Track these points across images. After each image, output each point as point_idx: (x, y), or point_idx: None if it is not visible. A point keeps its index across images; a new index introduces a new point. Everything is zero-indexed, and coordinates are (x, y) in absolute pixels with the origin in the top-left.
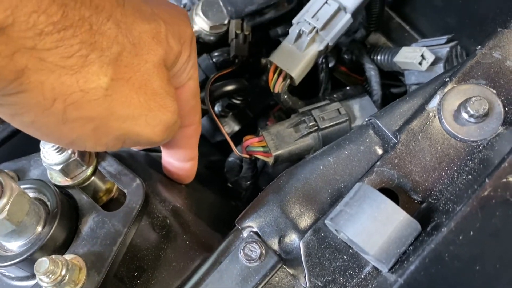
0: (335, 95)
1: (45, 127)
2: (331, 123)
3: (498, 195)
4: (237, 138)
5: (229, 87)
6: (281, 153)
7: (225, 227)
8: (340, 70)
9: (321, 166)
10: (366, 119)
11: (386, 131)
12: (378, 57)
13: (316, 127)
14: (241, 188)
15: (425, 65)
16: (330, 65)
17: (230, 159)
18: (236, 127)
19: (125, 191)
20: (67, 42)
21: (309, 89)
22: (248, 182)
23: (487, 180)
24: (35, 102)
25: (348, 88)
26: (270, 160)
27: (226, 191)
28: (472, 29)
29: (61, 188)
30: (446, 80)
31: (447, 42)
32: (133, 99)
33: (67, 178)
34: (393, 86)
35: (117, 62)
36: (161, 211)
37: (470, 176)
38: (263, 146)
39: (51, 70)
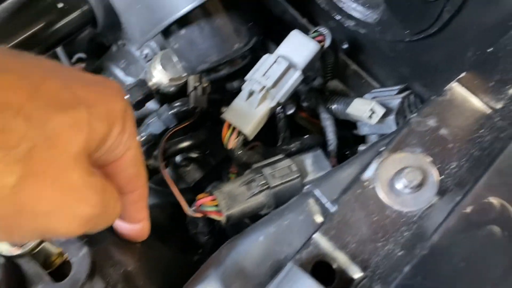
0: (292, 145)
1: None
2: (282, 181)
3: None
4: (200, 186)
5: (184, 144)
6: (233, 213)
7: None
8: (301, 116)
9: (261, 237)
10: (306, 188)
11: (324, 200)
12: (333, 107)
13: (267, 186)
14: (200, 242)
15: (375, 118)
16: (291, 111)
17: None
18: (198, 176)
19: (71, 260)
20: None
21: (270, 136)
22: (206, 237)
23: (418, 252)
24: None
25: (306, 137)
26: (222, 219)
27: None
28: (425, 79)
29: (10, 258)
30: (382, 149)
31: (399, 92)
32: (47, 195)
33: (15, 247)
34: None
35: (28, 158)
36: (112, 275)
37: (403, 251)
38: (215, 205)
39: None
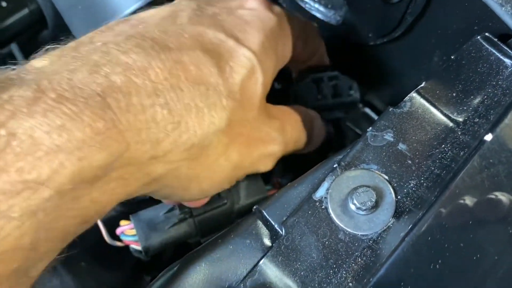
0: None
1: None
2: (206, 209)
3: None
4: None
5: None
6: (151, 244)
7: None
8: None
9: (203, 264)
10: (254, 208)
11: (273, 222)
12: None
13: (189, 214)
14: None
15: None
16: None
17: None
18: None
19: None
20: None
21: None
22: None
23: (371, 280)
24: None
25: None
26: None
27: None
28: (393, 86)
29: None
30: (335, 165)
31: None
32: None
33: None
34: None
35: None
36: None
37: (355, 280)
38: (134, 235)
39: (176, 165)
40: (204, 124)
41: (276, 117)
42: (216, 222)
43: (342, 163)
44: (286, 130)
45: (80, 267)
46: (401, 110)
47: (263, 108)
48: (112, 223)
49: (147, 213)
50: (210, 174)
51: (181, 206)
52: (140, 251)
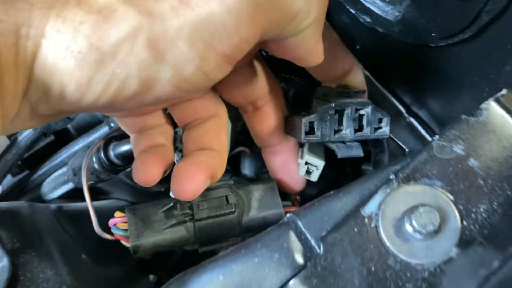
0: None
1: None
2: (210, 214)
3: None
4: None
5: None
6: (142, 244)
7: None
8: None
9: (221, 276)
10: (287, 216)
11: (309, 237)
12: None
13: (191, 217)
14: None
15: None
16: None
17: None
18: None
19: None
20: None
21: None
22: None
23: None
24: None
25: None
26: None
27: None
28: (448, 94)
29: None
30: (391, 176)
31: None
32: None
33: None
34: None
35: None
36: None
37: None
38: (126, 229)
39: None
40: None
41: None
42: (218, 231)
43: (400, 175)
44: None
45: (80, 259)
46: (476, 119)
47: None
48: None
49: (145, 208)
50: None
51: (182, 206)
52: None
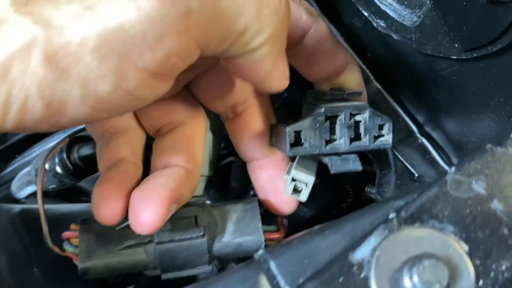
0: None
1: None
2: (174, 238)
3: None
4: None
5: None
6: (92, 265)
7: None
8: None
9: None
10: (259, 254)
11: (283, 283)
12: None
13: (150, 238)
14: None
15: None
16: None
17: None
18: None
19: None
20: None
21: None
22: None
23: None
24: None
25: None
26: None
27: None
28: (467, 116)
29: None
30: (391, 215)
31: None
32: None
33: None
34: None
35: None
36: None
37: None
38: (76, 246)
39: None
40: None
41: None
42: (184, 258)
43: (403, 214)
44: None
45: (31, 275)
46: (504, 150)
47: None
48: None
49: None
50: None
51: None
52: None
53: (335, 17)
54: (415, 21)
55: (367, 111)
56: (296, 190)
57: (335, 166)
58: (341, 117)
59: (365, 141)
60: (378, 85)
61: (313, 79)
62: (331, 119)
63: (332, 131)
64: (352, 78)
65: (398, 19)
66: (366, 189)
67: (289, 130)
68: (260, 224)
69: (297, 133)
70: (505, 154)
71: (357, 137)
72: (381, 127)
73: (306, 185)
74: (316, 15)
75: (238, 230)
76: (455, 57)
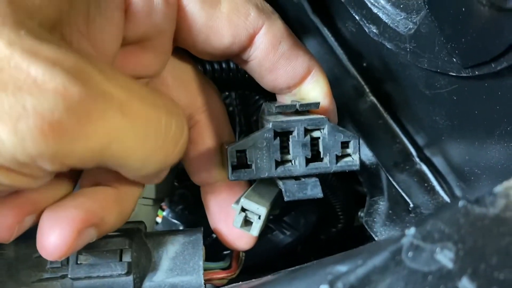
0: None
1: None
2: (91, 274)
3: None
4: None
5: None
6: None
7: None
8: None
9: None
10: None
11: None
12: None
13: (65, 273)
14: None
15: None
16: None
17: None
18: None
19: None
20: None
21: None
22: None
23: None
24: None
25: None
26: None
27: None
28: (471, 143)
29: None
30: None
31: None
32: None
33: None
34: None
35: None
36: None
37: None
38: None
39: None
40: None
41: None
42: None
43: (339, 285)
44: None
45: None
46: (484, 211)
47: None
48: None
49: (20, 247)
50: None
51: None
52: None
53: (328, 19)
54: (410, 28)
55: (326, 126)
56: (248, 222)
57: (289, 192)
58: (294, 133)
59: (325, 162)
60: (374, 99)
61: (271, 88)
62: (283, 136)
63: (285, 150)
64: (317, 87)
65: (391, 25)
66: (359, 213)
67: (231, 149)
68: (201, 262)
69: (242, 153)
70: (483, 216)
71: (317, 157)
72: (345, 144)
73: (259, 217)
74: (270, 12)
75: (174, 268)
76: (454, 74)
